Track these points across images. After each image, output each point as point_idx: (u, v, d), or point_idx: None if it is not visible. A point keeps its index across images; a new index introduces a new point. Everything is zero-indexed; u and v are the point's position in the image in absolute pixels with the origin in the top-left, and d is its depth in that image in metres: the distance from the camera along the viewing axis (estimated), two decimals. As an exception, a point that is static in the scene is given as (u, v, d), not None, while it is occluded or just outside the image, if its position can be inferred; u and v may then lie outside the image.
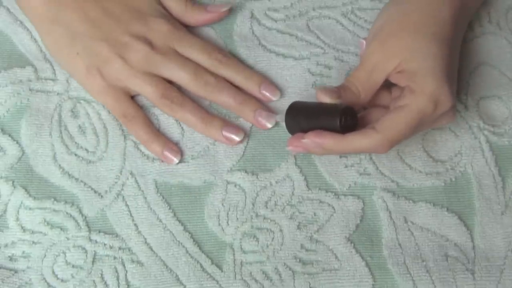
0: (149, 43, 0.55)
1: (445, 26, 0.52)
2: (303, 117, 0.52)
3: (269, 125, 0.56)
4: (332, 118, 0.51)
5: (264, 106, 0.57)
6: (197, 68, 0.56)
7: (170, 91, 0.55)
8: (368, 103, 0.54)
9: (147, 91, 0.55)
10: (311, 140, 0.51)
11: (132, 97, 0.57)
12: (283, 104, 0.57)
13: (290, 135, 0.54)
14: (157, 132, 0.56)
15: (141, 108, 0.57)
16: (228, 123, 0.56)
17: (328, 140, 0.50)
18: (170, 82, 0.56)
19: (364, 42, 0.55)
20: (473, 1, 0.57)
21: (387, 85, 0.54)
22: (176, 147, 0.56)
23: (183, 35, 0.57)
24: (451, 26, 0.53)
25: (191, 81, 0.55)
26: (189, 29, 0.59)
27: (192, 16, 0.59)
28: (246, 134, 0.56)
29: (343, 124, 0.50)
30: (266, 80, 0.57)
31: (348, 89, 0.53)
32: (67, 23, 0.55)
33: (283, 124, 0.56)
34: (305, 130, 0.52)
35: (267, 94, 0.57)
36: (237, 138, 0.56)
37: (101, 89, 0.55)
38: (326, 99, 0.52)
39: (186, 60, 0.56)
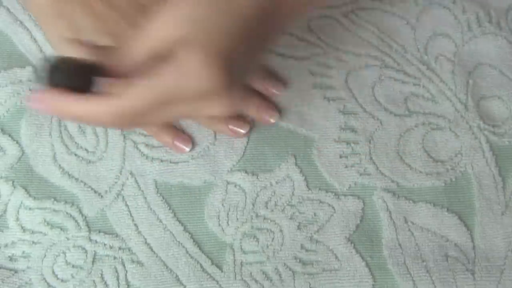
0: None
1: (244, 7, 0.43)
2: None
3: (272, 120, 0.56)
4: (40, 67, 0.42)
5: (267, 102, 0.57)
6: None
7: None
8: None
9: None
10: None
11: None
12: (283, 104, 0.57)
13: (289, 135, 0.54)
14: (165, 122, 0.56)
15: None
16: (233, 116, 0.56)
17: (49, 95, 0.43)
18: None
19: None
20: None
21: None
22: (186, 136, 0.56)
23: None
24: (251, 12, 0.43)
25: None
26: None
27: None
28: (251, 126, 0.56)
29: (53, 77, 0.42)
30: (270, 73, 0.58)
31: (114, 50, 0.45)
32: (72, 17, 0.55)
33: (284, 124, 0.56)
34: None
35: (269, 87, 0.57)
36: (242, 131, 0.55)
37: None
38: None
39: None
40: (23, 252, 0.53)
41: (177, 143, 0.55)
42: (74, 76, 0.42)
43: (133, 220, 0.54)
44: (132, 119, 0.42)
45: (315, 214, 0.55)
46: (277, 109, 0.57)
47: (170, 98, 0.42)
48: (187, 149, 0.55)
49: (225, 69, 0.42)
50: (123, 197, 0.55)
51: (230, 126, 0.55)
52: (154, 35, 0.43)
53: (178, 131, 0.56)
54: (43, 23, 0.57)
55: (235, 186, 0.55)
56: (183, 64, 0.41)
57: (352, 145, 0.57)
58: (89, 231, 0.54)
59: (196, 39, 0.42)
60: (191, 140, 0.56)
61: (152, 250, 0.53)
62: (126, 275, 0.53)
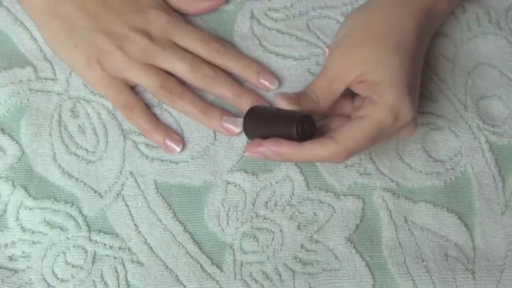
0: (148, 35, 0.56)
1: (408, 38, 0.52)
2: (262, 123, 0.52)
3: None
4: (289, 126, 0.50)
5: (263, 99, 0.57)
6: (195, 59, 0.56)
7: (169, 82, 0.56)
8: (329, 112, 0.54)
9: (146, 82, 0.55)
10: (268, 148, 0.51)
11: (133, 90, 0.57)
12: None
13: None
14: (158, 121, 0.56)
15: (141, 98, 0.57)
16: (227, 114, 0.56)
17: (285, 148, 0.50)
18: (170, 74, 0.56)
19: (327, 50, 0.55)
20: (439, 15, 0.57)
21: (350, 94, 0.54)
22: (177, 136, 0.56)
23: (182, 26, 0.57)
24: (414, 38, 0.53)
25: (189, 73, 0.56)
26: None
27: (191, 4, 0.59)
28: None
29: (300, 132, 0.50)
30: (264, 68, 0.58)
31: (308, 96, 0.53)
32: (66, 15, 0.56)
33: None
34: (263, 136, 0.52)
35: (266, 82, 0.57)
36: (236, 130, 0.56)
37: (101, 80, 0.56)
38: (284, 105, 0.52)
39: (184, 52, 0.56)
40: (23, 252, 0.53)
41: (168, 142, 0.55)
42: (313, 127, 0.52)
43: (133, 220, 0.54)
44: (349, 156, 0.50)
45: (315, 214, 0.55)
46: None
47: (379, 135, 0.50)
48: (178, 149, 0.55)
49: (414, 99, 0.52)
50: (123, 197, 0.55)
51: (224, 124, 0.55)
52: (340, 77, 0.52)
53: (169, 130, 0.56)
54: (38, 22, 0.57)
55: (235, 186, 0.55)
56: (385, 104, 0.50)
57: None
58: (89, 231, 0.54)
59: (386, 80, 0.51)
60: (182, 140, 0.56)
61: (152, 250, 0.53)
62: (126, 275, 0.53)
